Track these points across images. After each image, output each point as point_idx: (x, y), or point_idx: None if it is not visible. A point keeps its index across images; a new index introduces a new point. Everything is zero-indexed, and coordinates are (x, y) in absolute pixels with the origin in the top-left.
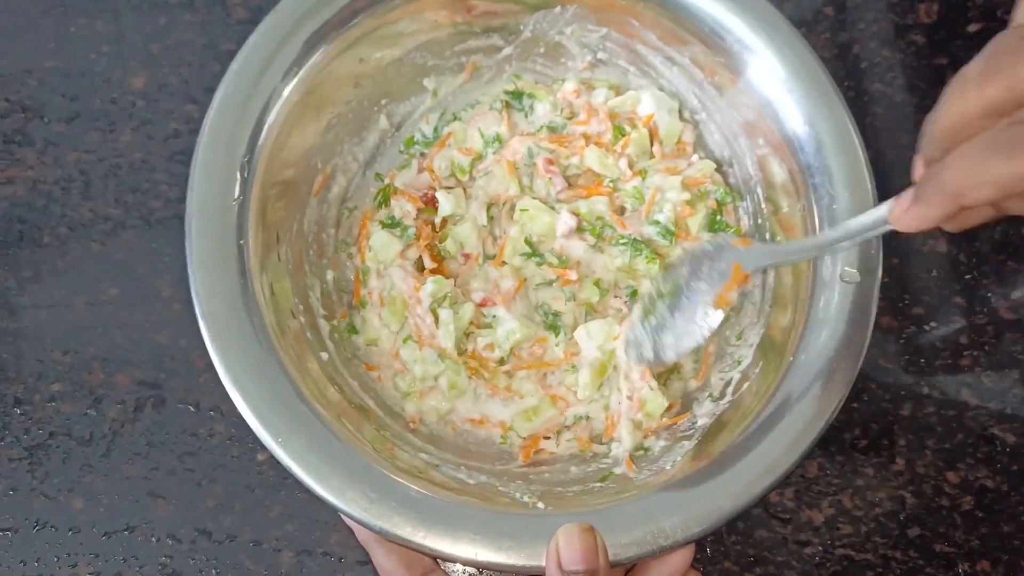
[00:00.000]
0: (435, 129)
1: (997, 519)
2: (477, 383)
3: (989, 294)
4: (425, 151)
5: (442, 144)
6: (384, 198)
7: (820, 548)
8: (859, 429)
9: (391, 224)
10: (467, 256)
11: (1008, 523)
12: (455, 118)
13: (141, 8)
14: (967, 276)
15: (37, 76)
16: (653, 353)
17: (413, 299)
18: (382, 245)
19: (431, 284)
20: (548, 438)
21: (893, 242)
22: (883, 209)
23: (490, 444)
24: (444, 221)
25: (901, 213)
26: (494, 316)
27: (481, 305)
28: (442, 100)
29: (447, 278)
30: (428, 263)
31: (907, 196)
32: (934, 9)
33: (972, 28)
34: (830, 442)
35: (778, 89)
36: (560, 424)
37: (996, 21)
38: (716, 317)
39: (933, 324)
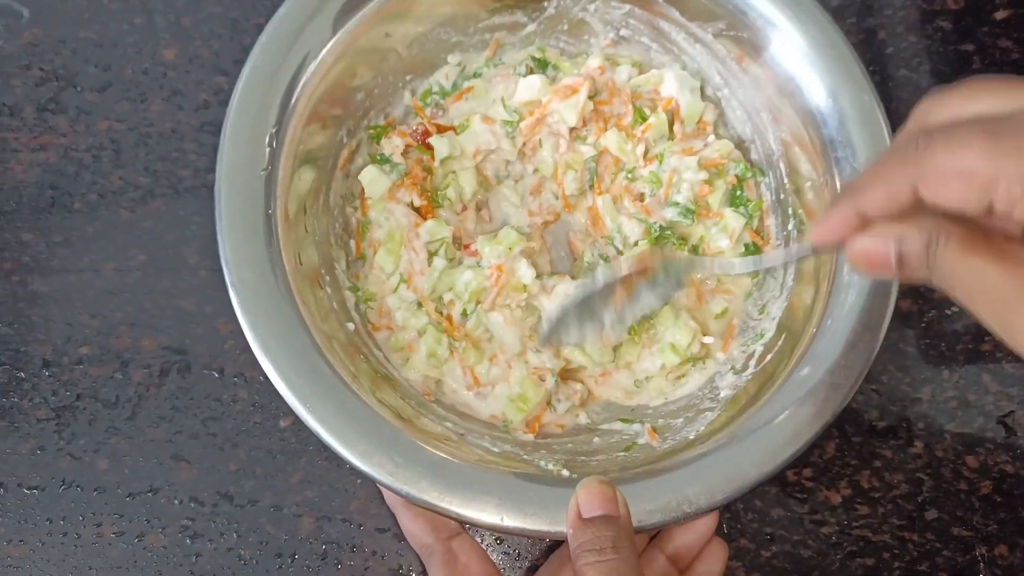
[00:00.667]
0: (454, 84)
1: (1016, 504)
2: (455, 360)
3: None
4: (441, 100)
5: (459, 96)
6: (376, 136)
7: (836, 528)
8: (877, 411)
9: (381, 160)
10: (464, 207)
11: None
12: (476, 75)
13: None
14: None
15: (71, 46)
16: (574, 336)
17: (411, 233)
18: (371, 180)
19: (431, 223)
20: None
21: None
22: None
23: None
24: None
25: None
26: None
27: (465, 248)
28: (466, 76)
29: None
30: (418, 201)
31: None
32: None
33: (999, 15)
34: (848, 423)
35: (801, 63)
36: (548, 393)
37: (1022, 8)
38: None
39: (954, 308)
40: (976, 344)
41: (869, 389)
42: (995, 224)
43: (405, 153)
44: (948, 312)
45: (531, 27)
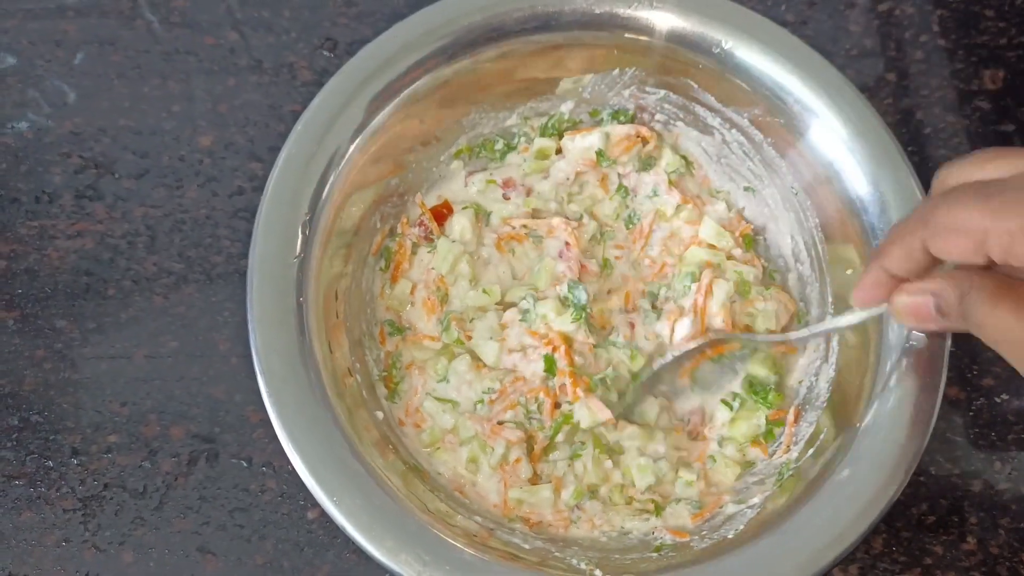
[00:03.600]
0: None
1: None
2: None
3: None
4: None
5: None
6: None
7: None
8: (926, 504)
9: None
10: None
11: None
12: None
13: (211, 70)
14: None
15: (111, 134)
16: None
17: None
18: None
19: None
20: None
21: None
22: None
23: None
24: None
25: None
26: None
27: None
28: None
29: None
30: None
31: None
32: (1000, 76)
33: None
34: (896, 518)
35: (841, 150)
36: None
37: None
38: None
39: (1004, 396)
40: None
41: (917, 480)
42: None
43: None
44: (998, 400)
45: (567, 106)
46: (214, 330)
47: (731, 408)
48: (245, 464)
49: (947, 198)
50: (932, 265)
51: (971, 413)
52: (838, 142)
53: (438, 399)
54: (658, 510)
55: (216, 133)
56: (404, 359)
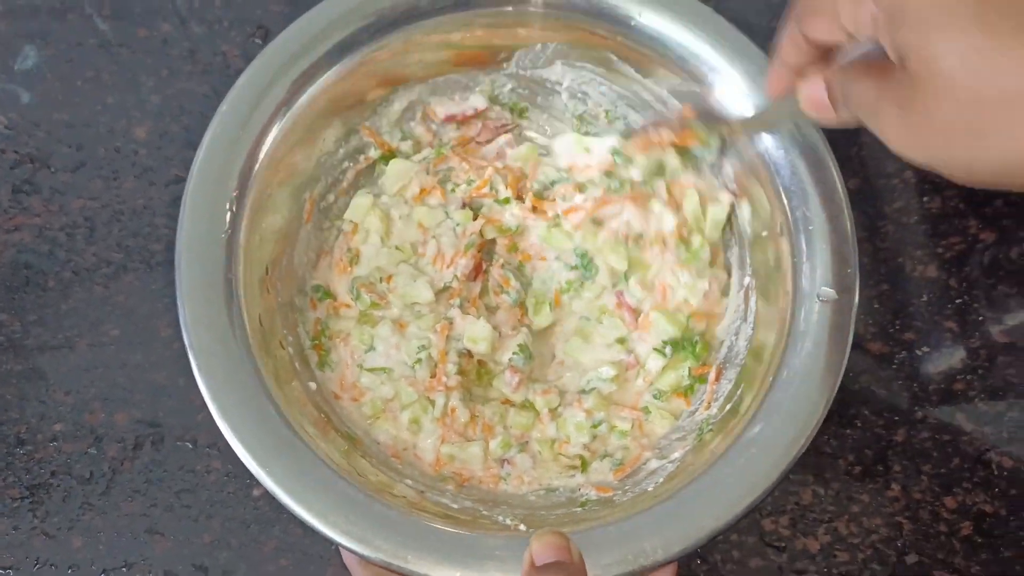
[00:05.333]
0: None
1: (997, 544)
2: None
3: (981, 318)
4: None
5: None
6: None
7: None
8: (853, 455)
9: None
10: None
11: (1009, 548)
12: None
13: (144, 62)
14: (958, 300)
15: (45, 128)
16: None
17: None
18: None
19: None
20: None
21: (883, 268)
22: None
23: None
24: None
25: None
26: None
27: None
28: None
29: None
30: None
31: None
32: None
33: None
34: (824, 469)
35: (748, 108)
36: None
37: None
38: None
39: (925, 349)
40: (948, 384)
41: (844, 433)
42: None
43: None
44: (919, 352)
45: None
46: (155, 317)
47: (664, 356)
48: (190, 446)
49: None
50: (821, 53)
51: (893, 367)
52: (744, 99)
53: (371, 370)
54: (584, 466)
55: (151, 123)
56: (332, 327)
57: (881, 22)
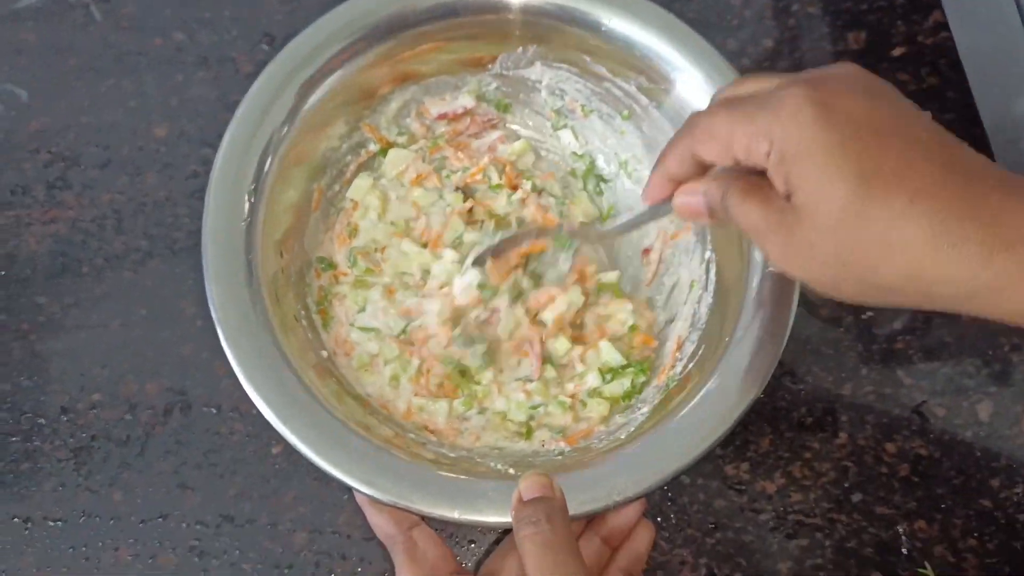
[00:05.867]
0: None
1: (931, 483)
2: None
3: None
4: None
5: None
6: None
7: (773, 514)
8: (805, 408)
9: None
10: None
11: (941, 486)
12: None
13: (160, 68)
14: None
15: (74, 130)
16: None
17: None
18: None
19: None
20: None
21: None
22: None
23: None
24: None
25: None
26: None
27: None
28: None
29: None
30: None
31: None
32: (862, 37)
33: (896, 52)
34: (779, 421)
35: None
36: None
37: (916, 45)
38: None
39: (869, 313)
40: (890, 344)
41: (797, 389)
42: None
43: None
44: (863, 317)
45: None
46: (180, 297)
47: (603, 380)
48: (215, 411)
49: (707, 111)
50: (703, 168)
51: (841, 328)
52: (702, 94)
53: (361, 328)
54: (529, 434)
55: (169, 124)
56: (332, 291)
57: (774, 159)
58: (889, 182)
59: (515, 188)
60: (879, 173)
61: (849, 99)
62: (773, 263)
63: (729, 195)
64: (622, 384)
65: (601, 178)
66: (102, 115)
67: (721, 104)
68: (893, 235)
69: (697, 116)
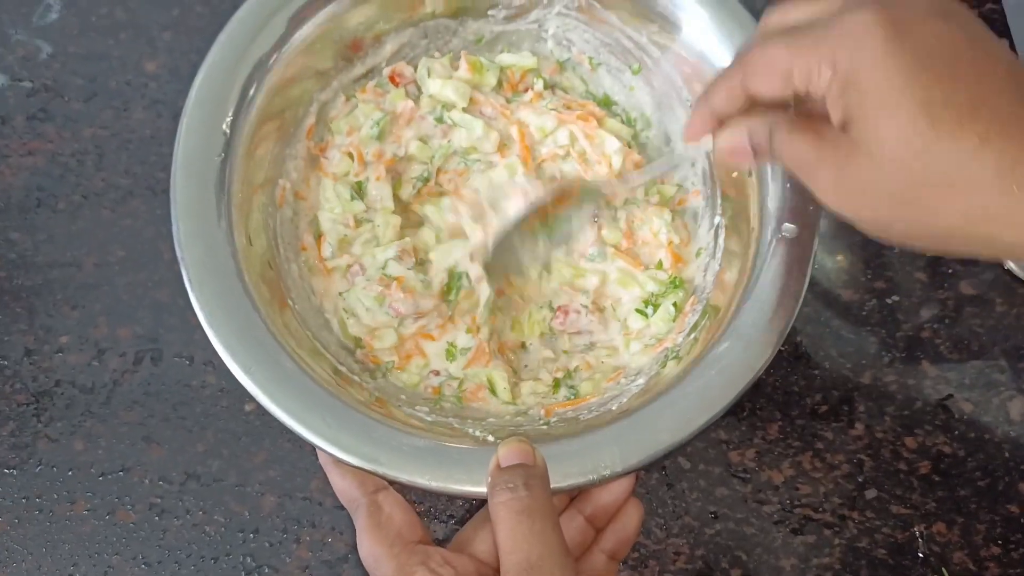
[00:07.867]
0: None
1: (953, 483)
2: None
3: (951, 271)
4: None
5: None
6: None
7: (779, 507)
8: (820, 395)
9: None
10: None
11: (964, 487)
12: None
13: (156, 1)
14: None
15: (60, 60)
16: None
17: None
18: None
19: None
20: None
21: None
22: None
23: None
24: None
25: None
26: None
27: None
28: None
29: None
30: None
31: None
32: None
33: None
34: (791, 407)
35: (713, 41)
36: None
37: None
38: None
39: (895, 298)
40: (916, 332)
41: (812, 374)
42: (815, 109)
43: None
44: (888, 301)
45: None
46: (159, 240)
47: (646, 316)
48: (187, 362)
49: (761, 42)
50: (750, 105)
51: (863, 313)
52: (710, 34)
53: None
54: (557, 386)
55: (162, 59)
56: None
57: (835, 88)
58: (959, 117)
59: (524, 90)
60: (949, 106)
61: (922, 22)
62: (823, 201)
63: (777, 129)
64: (666, 312)
65: None
66: (91, 46)
67: (776, 34)
68: (959, 175)
69: (751, 48)
